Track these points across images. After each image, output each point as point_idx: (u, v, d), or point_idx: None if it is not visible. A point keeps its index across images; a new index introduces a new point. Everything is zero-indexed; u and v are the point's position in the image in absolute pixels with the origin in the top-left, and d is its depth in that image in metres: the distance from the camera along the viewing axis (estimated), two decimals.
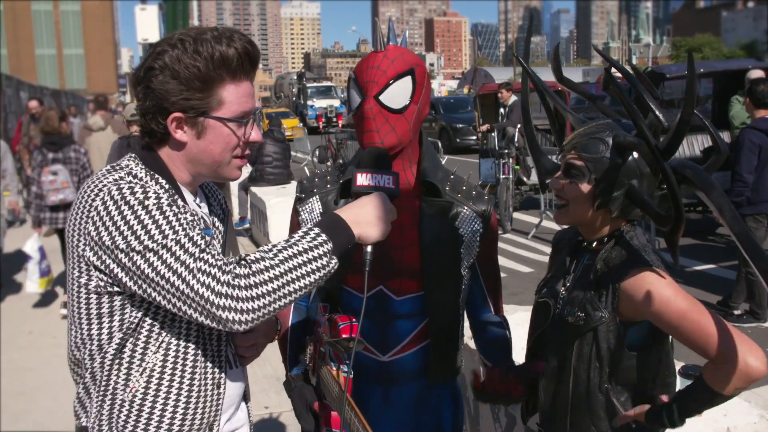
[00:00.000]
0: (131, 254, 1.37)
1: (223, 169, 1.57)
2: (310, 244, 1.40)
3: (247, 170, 10.43)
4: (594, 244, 1.78)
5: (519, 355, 2.07)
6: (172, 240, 1.36)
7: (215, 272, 1.34)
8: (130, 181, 1.44)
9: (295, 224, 2.01)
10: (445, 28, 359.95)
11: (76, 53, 63.32)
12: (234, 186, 10.83)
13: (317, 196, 1.96)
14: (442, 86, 66.11)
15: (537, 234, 9.32)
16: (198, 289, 1.33)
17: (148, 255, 1.36)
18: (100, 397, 1.51)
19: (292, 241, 1.41)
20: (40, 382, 4.95)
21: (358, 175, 1.59)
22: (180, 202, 1.51)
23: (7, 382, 4.95)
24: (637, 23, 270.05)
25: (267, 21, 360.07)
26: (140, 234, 1.37)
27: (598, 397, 1.73)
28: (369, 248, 1.56)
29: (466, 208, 1.92)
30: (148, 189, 1.42)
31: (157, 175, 1.53)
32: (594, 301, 1.70)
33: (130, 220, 1.38)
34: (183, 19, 6.50)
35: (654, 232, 7.96)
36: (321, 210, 1.94)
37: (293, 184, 9.21)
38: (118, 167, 1.52)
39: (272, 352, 2.10)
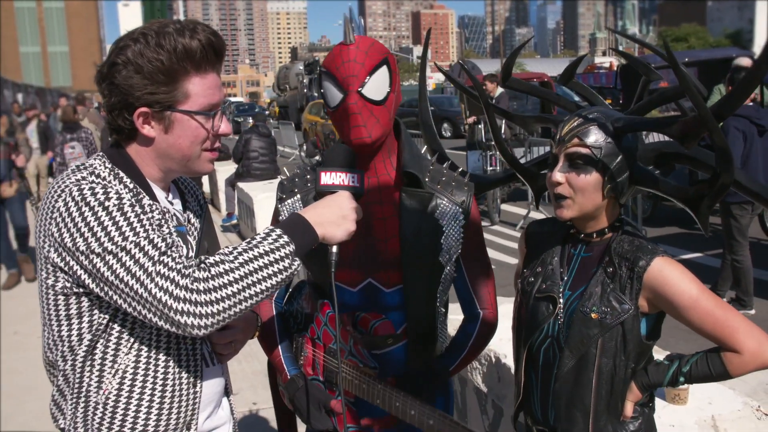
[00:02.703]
0: (91, 256, 1.36)
1: (194, 163, 1.56)
2: (272, 246, 1.38)
3: (233, 166, 10.40)
4: (594, 236, 1.76)
5: (506, 346, 2.06)
6: (131, 242, 1.35)
7: (174, 276, 1.32)
8: (92, 182, 1.42)
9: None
10: (432, 20, 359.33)
11: (61, 51, 62.90)
12: (221, 182, 10.80)
13: (298, 195, 1.95)
14: (429, 79, 66.07)
15: (525, 226, 9.32)
16: (156, 293, 1.32)
17: (107, 257, 1.35)
18: (74, 399, 1.50)
19: (254, 242, 1.39)
20: (28, 383, 4.91)
21: (322, 174, 1.58)
22: (146, 201, 1.49)
23: None
24: (624, 13, 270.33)
25: (253, 16, 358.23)
26: (100, 236, 1.35)
27: (622, 391, 1.71)
28: (334, 249, 1.55)
29: (445, 199, 1.90)
30: (109, 190, 1.40)
31: (122, 174, 1.50)
32: (617, 293, 1.67)
33: (90, 221, 1.36)
34: (162, 16, 6.48)
35: (641, 221, 8.00)
36: (302, 208, 1.92)
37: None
38: (82, 167, 1.50)
39: (260, 348, 2.08)
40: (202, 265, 1.35)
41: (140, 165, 1.54)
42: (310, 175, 1.98)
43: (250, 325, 1.75)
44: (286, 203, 1.96)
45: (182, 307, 1.31)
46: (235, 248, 1.39)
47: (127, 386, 1.49)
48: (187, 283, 1.31)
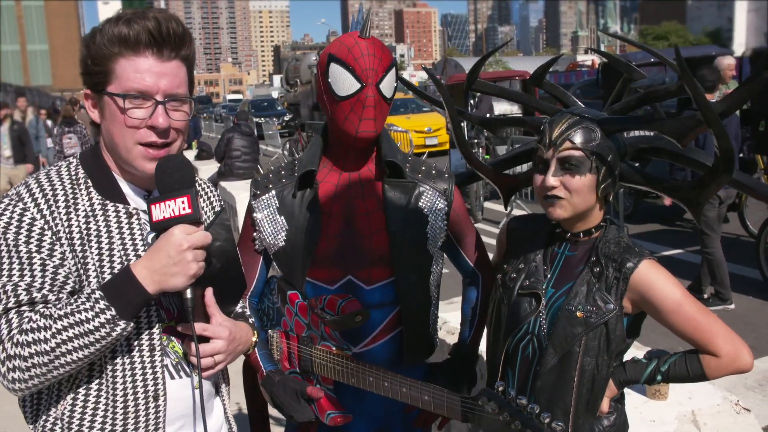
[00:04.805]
0: None
1: (130, 156, 1.47)
2: (88, 315, 1.34)
3: (216, 165, 10.35)
4: (581, 236, 1.77)
5: None
6: None
7: (4, 340, 1.34)
8: (17, 201, 1.42)
9: (248, 224, 1.97)
10: (415, 19, 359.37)
11: (41, 49, 62.25)
12: None
13: (273, 192, 1.93)
14: (412, 77, 66.22)
15: None
16: None
17: None
18: (34, 413, 1.49)
19: (74, 306, 1.35)
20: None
21: (154, 208, 1.39)
22: (61, 226, 1.43)
23: None
24: (605, 12, 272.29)
25: (235, 14, 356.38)
26: None
27: (601, 390, 1.72)
28: (188, 293, 1.40)
29: (428, 187, 1.91)
30: (22, 218, 1.40)
31: (82, 178, 1.49)
32: (603, 293, 1.69)
33: None
34: None
35: (623, 218, 8.05)
36: (278, 205, 1.91)
37: None
38: (48, 169, 1.51)
39: None
40: (24, 328, 1.34)
41: (108, 161, 1.52)
42: (284, 170, 1.96)
43: (240, 338, 1.62)
44: (261, 199, 1.93)
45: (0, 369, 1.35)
46: (60, 308, 1.36)
47: (81, 399, 1.46)
48: (8, 350, 1.34)
